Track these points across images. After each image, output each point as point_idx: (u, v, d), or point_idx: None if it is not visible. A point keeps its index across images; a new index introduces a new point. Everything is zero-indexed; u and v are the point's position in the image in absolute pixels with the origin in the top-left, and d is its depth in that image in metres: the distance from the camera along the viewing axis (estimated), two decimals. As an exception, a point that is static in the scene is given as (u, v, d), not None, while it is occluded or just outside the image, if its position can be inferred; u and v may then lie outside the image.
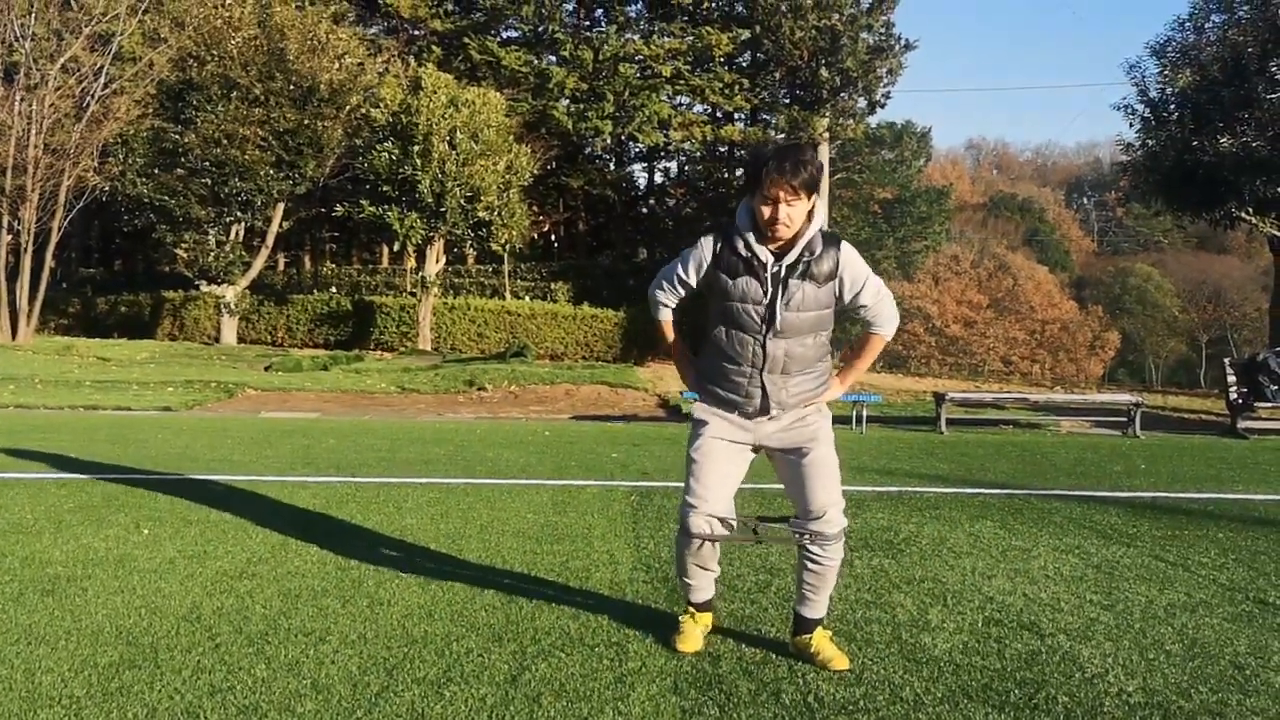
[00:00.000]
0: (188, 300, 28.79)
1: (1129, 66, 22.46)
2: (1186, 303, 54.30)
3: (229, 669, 3.18)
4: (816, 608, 3.37)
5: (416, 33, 33.72)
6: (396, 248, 30.14)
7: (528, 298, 29.93)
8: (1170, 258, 61.27)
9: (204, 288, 25.66)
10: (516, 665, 3.25)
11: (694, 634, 3.45)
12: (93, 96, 22.86)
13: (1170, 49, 21.84)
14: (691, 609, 3.53)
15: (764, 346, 3.22)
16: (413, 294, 27.60)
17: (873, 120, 36.14)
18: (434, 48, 31.93)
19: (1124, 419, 11.83)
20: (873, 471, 7.94)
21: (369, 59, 25.90)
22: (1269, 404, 11.93)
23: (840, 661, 3.28)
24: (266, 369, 18.57)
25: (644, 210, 37.86)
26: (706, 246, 3.27)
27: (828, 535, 3.27)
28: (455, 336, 26.33)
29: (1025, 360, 47.53)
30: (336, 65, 24.28)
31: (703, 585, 3.50)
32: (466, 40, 31.38)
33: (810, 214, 3.16)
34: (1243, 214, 20.90)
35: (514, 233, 25.16)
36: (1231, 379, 12.28)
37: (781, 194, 3.06)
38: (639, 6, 33.86)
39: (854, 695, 3.06)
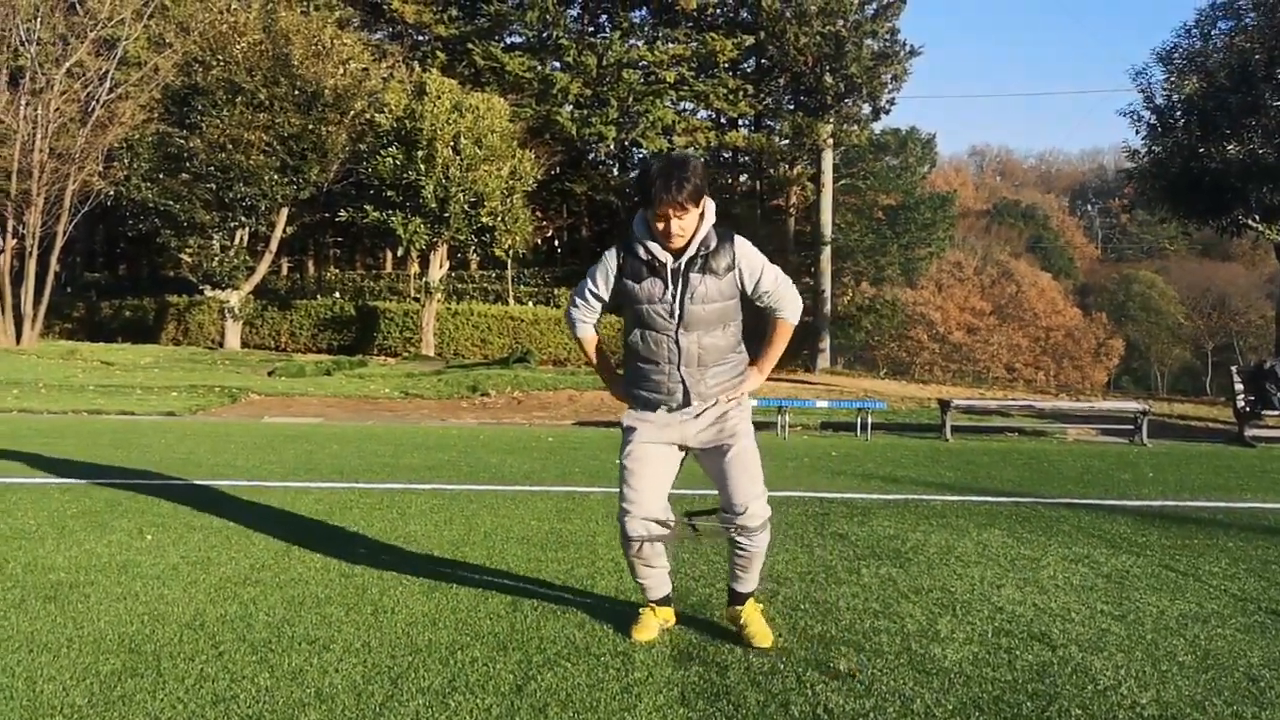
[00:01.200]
0: (192, 305, 28.83)
1: (1135, 73, 22.48)
2: (1191, 310, 54.20)
3: (232, 677, 3.15)
4: (747, 584, 3.60)
5: (421, 38, 33.76)
6: (400, 253, 30.07)
7: (531, 303, 29.92)
8: (1174, 265, 61.22)
9: (208, 292, 25.67)
10: (522, 675, 3.22)
11: (651, 624, 3.63)
12: (98, 101, 22.89)
13: (1177, 56, 21.80)
14: (651, 605, 3.70)
15: (677, 342, 3.42)
16: (416, 299, 27.60)
17: (877, 126, 36.24)
18: (438, 53, 31.95)
19: (1131, 427, 11.78)
20: (878, 479, 7.91)
21: (373, 64, 25.92)
22: (1276, 412, 11.87)
23: (764, 639, 3.50)
24: (270, 374, 18.57)
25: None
26: (611, 258, 3.51)
27: (752, 528, 3.45)
28: (458, 342, 26.32)
29: (1029, 367, 47.41)
30: (341, 70, 24.30)
31: (656, 583, 3.66)
32: (471, 46, 31.39)
33: (701, 215, 3.38)
34: (1249, 221, 20.85)
35: (517, 238, 25.17)
36: (1239, 386, 12.22)
37: (670, 211, 3.29)
38: (643, 13, 33.87)
39: (864, 707, 3.02)
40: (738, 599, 3.63)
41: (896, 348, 47.20)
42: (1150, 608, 4.17)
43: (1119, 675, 3.34)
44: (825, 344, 30.00)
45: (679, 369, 3.44)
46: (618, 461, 3.58)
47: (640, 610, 3.71)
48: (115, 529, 5.23)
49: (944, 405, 11.89)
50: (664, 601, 3.71)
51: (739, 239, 3.45)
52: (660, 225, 3.32)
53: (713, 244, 3.38)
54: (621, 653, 3.44)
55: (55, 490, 6.39)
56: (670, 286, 3.37)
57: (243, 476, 7.21)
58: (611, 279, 3.49)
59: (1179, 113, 21.60)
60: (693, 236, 3.36)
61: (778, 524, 3.69)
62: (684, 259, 3.37)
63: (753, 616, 3.59)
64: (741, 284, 3.44)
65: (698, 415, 3.51)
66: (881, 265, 42.36)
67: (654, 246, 3.37)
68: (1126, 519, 6.26)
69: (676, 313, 3.38)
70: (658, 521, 3.50)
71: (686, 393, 3.46)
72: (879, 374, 30.68)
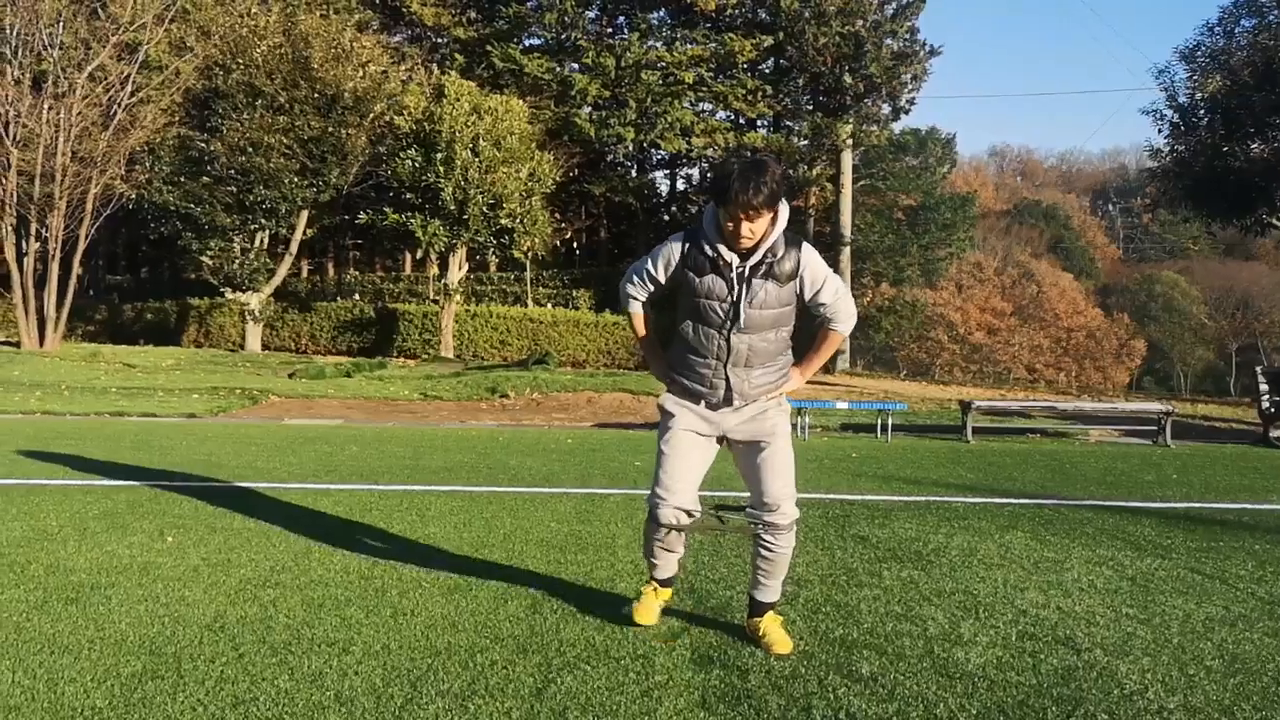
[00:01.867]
0: (213, 307, 29.03)
1: (1158, 71, 22.36)
2: (1214, 310, 53.73)
3: (252, 680, 3.15)
4: (769, 592, 3.60)
5: (440, 40, 33.86)
6: (419, 255, 30.22)
7: (550, 305, 29.96)
8: (1197, 265, 60.73)
9: (229, 295, 25.84)
10: (542, 678, 3.20)
11: (653, 606, 3.70)
12: (120, 105, 23.04)
13: (1200, 54, 21.65)
14: (655, 583, 3.75)
15: (728, 341, 3.41)
16: (435, 301, 27.68)
17: (896, 126, 36.07)
18: (457, 55, 32.04)
19: (1154, 428, 11.67)
20: (899, 480, 7.86)
21: (393, 67, 26.01)
22: (1302, 413, 11.72)
23: (784, 646, 3.47)
24: (290, 376, 18.65)
25: (666, 218, 37.80)
26: (675, 246, 3.48)
27: (780, 526, 3.48)
28: (477, 344, 26.37)
29: (1050, 368, 47.11)
30: (360, 73, 24.40)
31: (667, 564, 3.74)
32: (489, 48, 31.47)
33: (773, 219, 3.33)
34: (1274, 220, 20.67)
35: (536, 240, 25.22)
36: (1263, 387, 12.08)
37: (743, 214, 3.25)
38: (661, 14, 33.85)
39: (887, 711, 2.99)
40: (758, 610, 3.60)
41: (917, 349, 46.99)
42: (1176, 611, 4.11)
43: (1145, 680, 3.30)
44: (845, 345, 29.90)
45: (726, 367, 3.44)
46: (656, 446, 3.60)
47: (642, 588, 3.76)
48: (136, 531, 5.24)
49: (965, 406, 11.81)
50: (667, 583, 3.77)
51: (806, 246, 3.42)
52: (730, 226, 3.28)
53: (780, 251, 3.35)
54: (642, 656, 3.42)
55: (77, 492, 6.42)
56: (733, 288, 3.35)
57: (263, 478, 7.23)
58: (673, 265, 3.46)
59: (1202, 111, 21.43)
60: (761, 240, 3.33)
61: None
62: (750, 262, 3.34)
63: (772, 626, 3.57)
64: (801, 292, 3.42)
65: (738, 409, 3.52)
66: (901, 266, 42.12)
67: (721, 247, 3.34)
68: (1151, 521, 6.19)
69: (734, 314, 3.36)
70: (688, 511, 3.51)
71: (729, 390, 3.46)
72: (899, 375, 30.56)
